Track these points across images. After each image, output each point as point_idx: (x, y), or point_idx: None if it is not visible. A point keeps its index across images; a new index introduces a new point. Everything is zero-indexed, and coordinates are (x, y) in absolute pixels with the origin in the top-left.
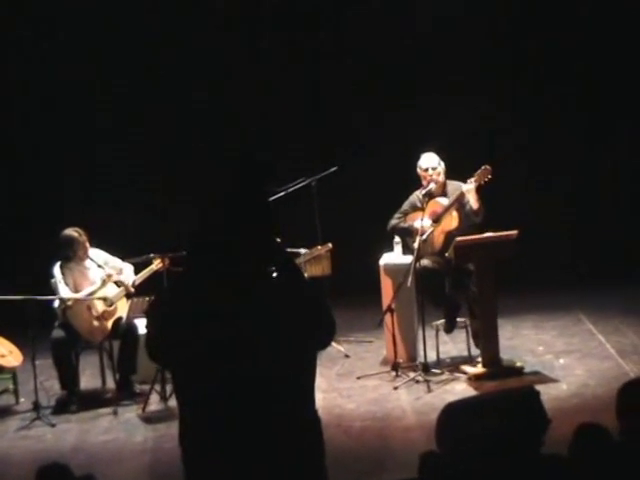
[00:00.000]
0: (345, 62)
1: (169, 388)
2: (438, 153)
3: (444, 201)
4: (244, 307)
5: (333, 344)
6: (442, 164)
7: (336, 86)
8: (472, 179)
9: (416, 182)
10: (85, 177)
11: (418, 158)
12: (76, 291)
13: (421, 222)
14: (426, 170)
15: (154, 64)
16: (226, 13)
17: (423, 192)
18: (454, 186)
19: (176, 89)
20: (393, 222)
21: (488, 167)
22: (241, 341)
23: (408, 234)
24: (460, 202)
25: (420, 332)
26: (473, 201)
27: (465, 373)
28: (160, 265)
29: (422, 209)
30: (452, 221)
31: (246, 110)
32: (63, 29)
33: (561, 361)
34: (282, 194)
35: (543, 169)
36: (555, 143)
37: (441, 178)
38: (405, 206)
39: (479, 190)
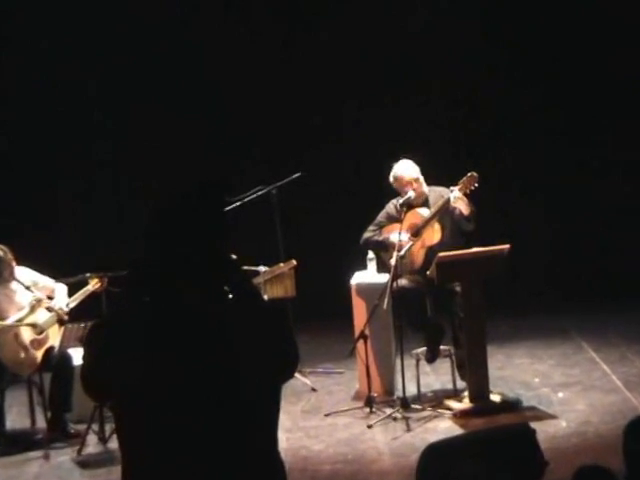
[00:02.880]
0: (319, 61)
1: (109, 427)
2: (414, 158)
3: (425, 212)
4: (199, 332)
5: (297, 376)
6: (419, 170)
7: (300, 87)
8: (456, 187)
9: (393, 189)
10: (14, 188)
11: (393, 165)
12: (1, 318)
13: (398, 235)
14: (408, 183)
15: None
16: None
17: (401, 201)
18: (436, 193)
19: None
20: (367, 235)
21: (474, 174)
22: (197, 371)
23: (383, 249)
24: (444, 211)
25: (398, 362)
26: (464, 207)
27: (450, 409)
28: (98, 285)
29: (400, 220)
30: (434, 234)
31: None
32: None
33: (560, 395)
34: (238, 204)
35: (531, 178)
36: (543, 153)
37: (422, 188)
38: (380, 217)
39: (467, 196)
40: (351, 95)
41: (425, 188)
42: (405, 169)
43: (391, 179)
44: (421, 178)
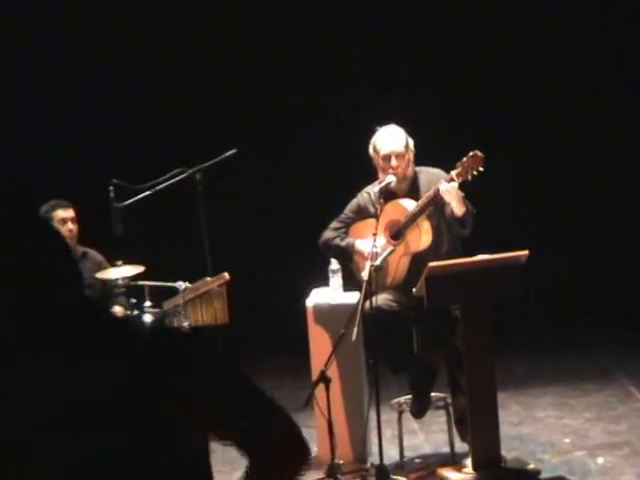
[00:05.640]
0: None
1: None
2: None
3: (410, 204)
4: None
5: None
6: (411, 144)
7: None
8: (455, 171)
9: (367, 172)
10: None
11: (370, 134)
12: None
13: (373, 238)
14: (387, 158)
15: None
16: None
17: (377, 188)
18: (429, 177)
19: None
20: (327, 235)
21: (479, 153)
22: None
23: (348, 257)
24: (435, 205)
25: (373, 415)
26: (456, 204)
27: None
28: None
29: (375, 216)
30: (421, 237)
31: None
32: None
33: (600, 461)
34: (148, 194)
35: (549, 171)
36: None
37: (410, 170)
38: (348, 210)
39: (462, 187)
40: (312, 62)
41: (413, 169)
42: (387, 137)
43: (370, 150)
44: (409, 153)
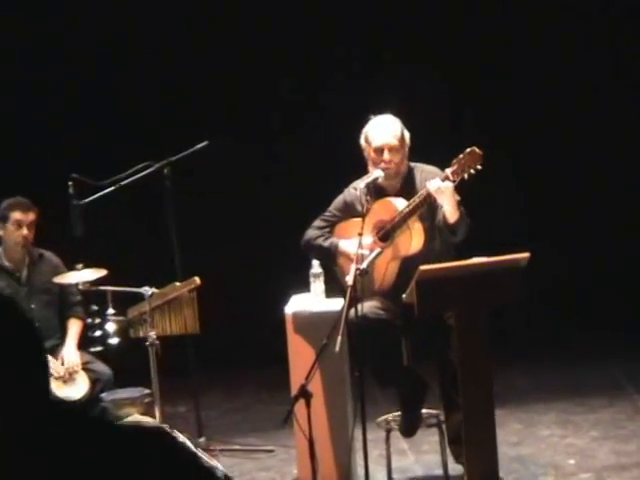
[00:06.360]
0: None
1: None
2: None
3: (401, 203)
4: None
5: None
6: (407, 137)
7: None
8: (450, 169)
9: (355, 167)
10: None
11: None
12: None
13: (359, 239)
14: (379, 151)
15: None
16: None
17: (362, 184)
18: (425, 175)
19: None
20: (310, 234)
21: (477, 150)
22: None
23: (331, 259)
24: (428, 205)
25: (358, 434)
26: (449, 208)
27: None
28: None
29: (362, 215)
30: (412, 239)
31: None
32: None
33: None
34: (109, 191)
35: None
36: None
37: (404, 166)
38: (334, 207)
39: (459, 189)
40: (312, 62)
41: (407, 165)
42: (381, 128)
43: (361, 140)
44: (405, 149)
